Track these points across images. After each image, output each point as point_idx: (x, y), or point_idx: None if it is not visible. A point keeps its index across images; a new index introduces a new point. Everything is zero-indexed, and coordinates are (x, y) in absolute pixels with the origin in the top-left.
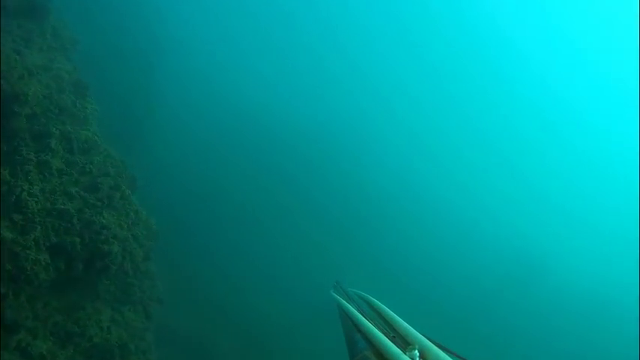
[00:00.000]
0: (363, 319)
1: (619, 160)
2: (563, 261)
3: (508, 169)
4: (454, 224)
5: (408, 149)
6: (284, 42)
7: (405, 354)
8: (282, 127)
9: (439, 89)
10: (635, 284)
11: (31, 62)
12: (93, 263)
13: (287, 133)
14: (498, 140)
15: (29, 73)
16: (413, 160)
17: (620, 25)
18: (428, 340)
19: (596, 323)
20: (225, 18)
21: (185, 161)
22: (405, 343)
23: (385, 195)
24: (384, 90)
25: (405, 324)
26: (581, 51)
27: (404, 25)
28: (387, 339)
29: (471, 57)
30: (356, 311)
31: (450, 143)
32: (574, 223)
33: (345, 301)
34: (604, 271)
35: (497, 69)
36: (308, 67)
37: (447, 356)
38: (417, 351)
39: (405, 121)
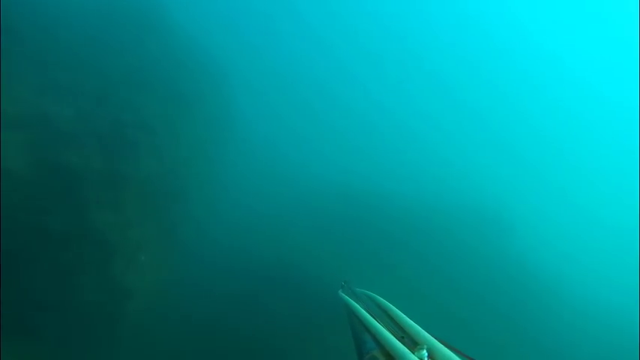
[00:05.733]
0: (372, 319)
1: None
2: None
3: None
4: None
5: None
6: None
7: (414, 354)
8: None
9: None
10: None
11: None
12: None
13: None
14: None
15: None
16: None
17: (620, 24)
18: (436, 340)
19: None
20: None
21: None
22: (413, 343)
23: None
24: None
25: (414, 324)
26: (581, 50)
27: None
28: (395, 339)
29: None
30: (364, 311)
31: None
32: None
33: (353, 301)
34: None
35: None
36: None
37: (455, 356)
38: (425, 351)
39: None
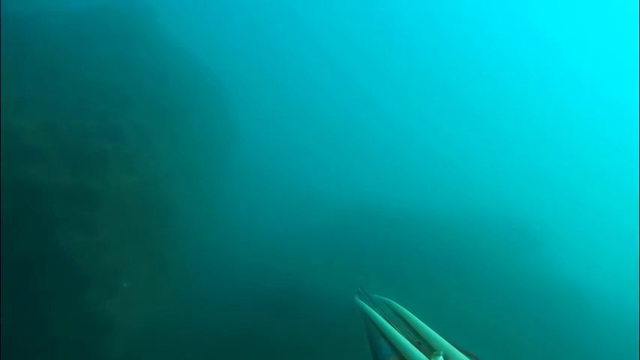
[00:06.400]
0: (388, 325)
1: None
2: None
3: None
4: None
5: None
6: None
7: None
8: None
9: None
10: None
11: None
12: None
13: None
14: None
15: None
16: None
17: (620, 24)
18: (453, 347)
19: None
20: None
21: None
22: (430, 349)
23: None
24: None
25: (430, 330)
26: (580, 49)
27: None
28: (411, 345)
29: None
30: (381, 317)
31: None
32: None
33: (369, 307)
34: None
35: None
36: None
37: None
38: (441, 357)
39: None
